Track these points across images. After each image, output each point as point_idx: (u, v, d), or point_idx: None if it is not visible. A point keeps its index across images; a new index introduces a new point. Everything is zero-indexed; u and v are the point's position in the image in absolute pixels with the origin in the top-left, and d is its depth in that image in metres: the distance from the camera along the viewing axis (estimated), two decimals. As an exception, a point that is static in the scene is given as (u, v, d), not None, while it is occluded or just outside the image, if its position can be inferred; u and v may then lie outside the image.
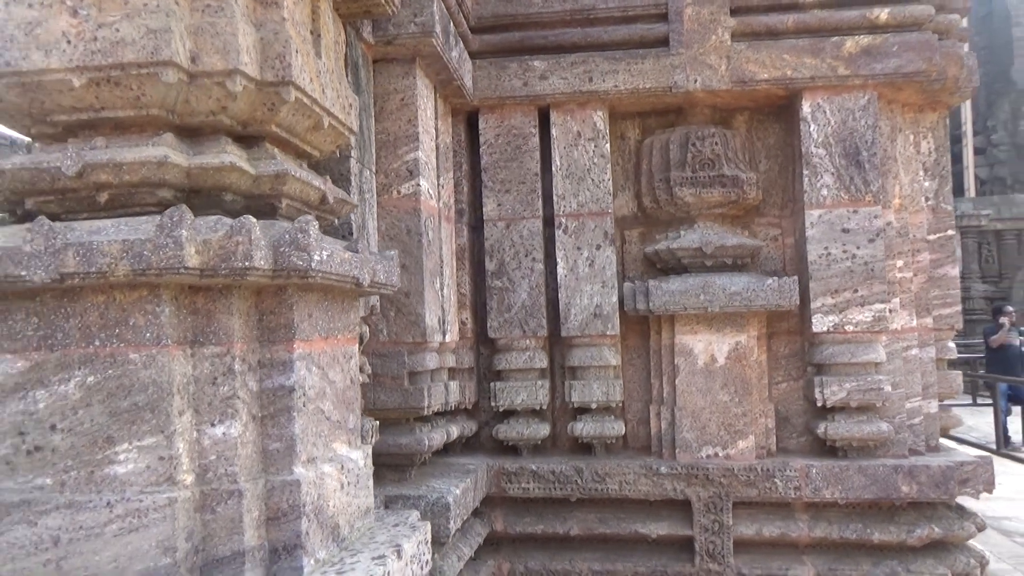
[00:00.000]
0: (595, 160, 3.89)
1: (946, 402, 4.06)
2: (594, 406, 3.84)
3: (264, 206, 2.02)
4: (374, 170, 3.12)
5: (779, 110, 4.00)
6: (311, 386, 1.98)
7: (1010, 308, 11.07)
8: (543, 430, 3.89)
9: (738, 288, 3.66)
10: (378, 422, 2.69)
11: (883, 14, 3.70)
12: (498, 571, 3.75)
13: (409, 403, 3.10)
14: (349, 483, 2.14)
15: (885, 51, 3.67)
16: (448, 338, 3.55)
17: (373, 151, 3.12)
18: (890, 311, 3.69)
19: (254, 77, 1.92)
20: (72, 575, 1.66)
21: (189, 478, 1.73)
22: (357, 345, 2.38)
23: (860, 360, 3.63)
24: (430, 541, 2.43)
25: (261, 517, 1.82)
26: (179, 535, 1.67)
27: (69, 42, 1.80)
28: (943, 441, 3.98)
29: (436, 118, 3.59)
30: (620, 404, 3.91)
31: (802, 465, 3.61)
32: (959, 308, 4.03)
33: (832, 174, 3.71)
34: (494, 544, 3.82)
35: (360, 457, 2.25)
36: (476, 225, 4.03)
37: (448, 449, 3.79)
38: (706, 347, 3.78)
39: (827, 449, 3.76)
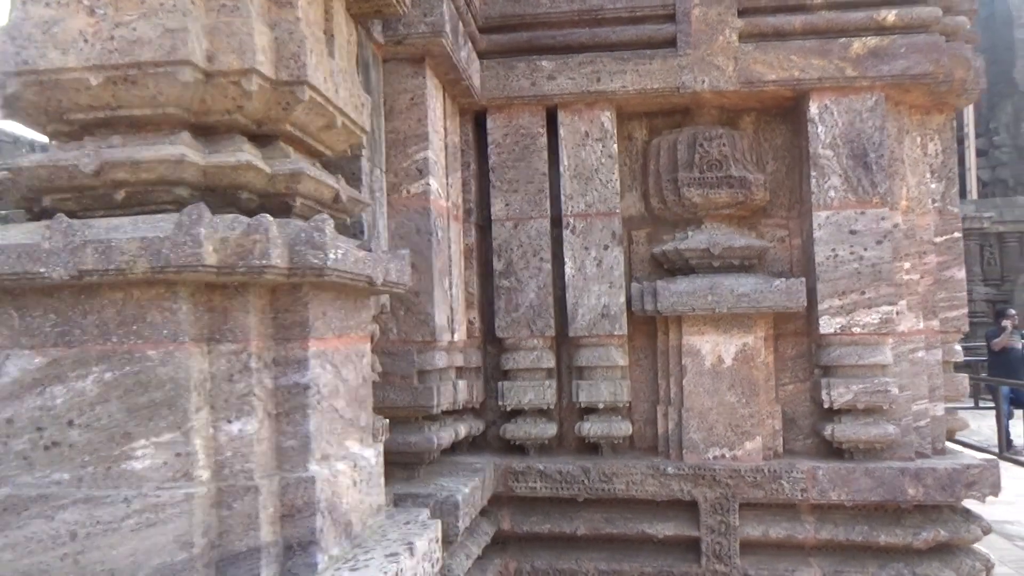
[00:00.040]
0: (603, 160, 3.90)
1: (949, 405, 4.06)
2: (601, 406, 3.85)
3: (279, 204, 2.03)
4: (384, 169, 3.13)
5: (786, 111, 4.01)
6: (325, 384, 1.99)
7: (1012, 311, 11.09)
8: (550, 430, 3.90)
9: (746, 289, 3.67)
10: (388, 420, 2.70)
11: (890, 16, 3.71)
12: (505, 570, 3.76)
13: (419, 402, 3.11)
14: (362, 481, 2.15)
15: (892, 53, 3.68)
16: (456, 337, 3.57)
17: (383, 150, 3.13)
18: (897, 313, 3.70)
19: (269, 76, 1.93)
20: (89, 569, 1.67)
21: (205, 474, 1.74)
22: (369, 343, 2.39)
23: (867, 362, 3.63)
24: (441, 539, 2.44)
25: (276, 513, 1.83)
26: (196, 530, 1.68)
27: (86, 41, 1.82)
28: (948, 444, 3.99)
29: (445, 118, 3.60)
30: (627, 404, 3.92)
31: (809, 467, 3.62)
32: (965, 311, 4.04)
33: (840, 175, 3.72)
34: (501, 543, 3.83)
35: (372, 455, 2.26)
36: (484, 225, 4.04)
37: (455, 448, 3.80)
38: (713, 348, 3.78)
39: (833, 451, 3.77)
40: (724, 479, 3.67)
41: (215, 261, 1.70)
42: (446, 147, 3.62)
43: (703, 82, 3.77)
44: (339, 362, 2.09)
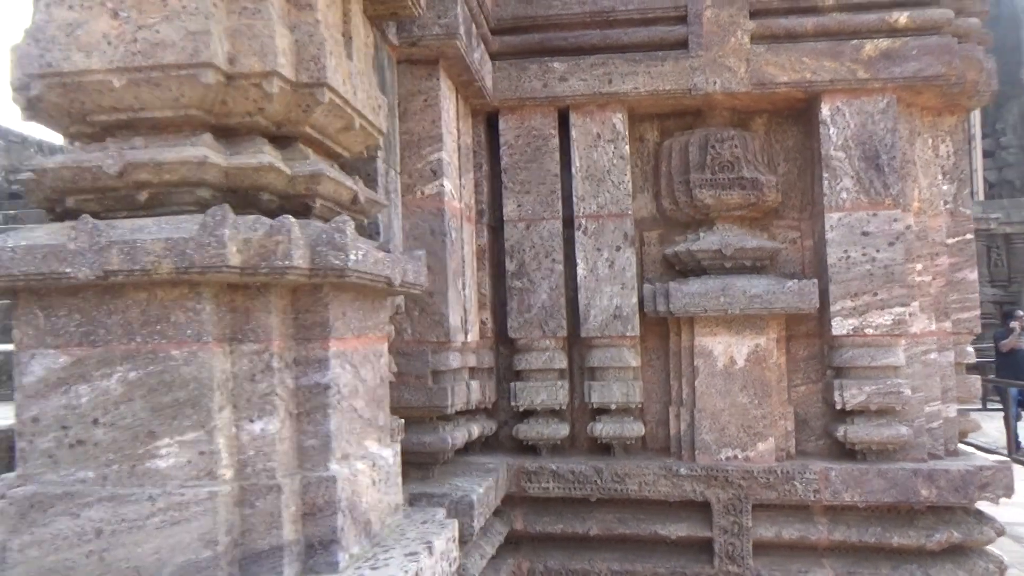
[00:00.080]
0: (615, 162, 3.91)
1: (960, 406, 4.06)
2: (613, 407, 3.85)
3: (298, 206, 2.05)
4: (398, 170, 3.14)
5: (797, 113, 4.01)
6: (345, 384, 2.00)
7: (1020, 312, 11.06)
8: (562, 430, 3.90)
9: (758, 290, 3.67)
10: (403, 420, 2.71)
11: (902, 18, 3.71)
12: (518, 570, 3.76)
13: (433, 402, 3.12)
14: (380, 480, 2.16)
15: (904, 54, 3.68)
16: (470, 338, 3.58)
17: (397, 151, 3.15)
18: (909, 315, 3.70)
19: (290, 79, 1.94)
20: (115, 566, 1.69)
21: (229, 473, 1.76)
22: (386, 344, 2.40)
23: (880, 364, 3.63)
24: (458, 539, 2.45)
25: (298, 512, 1.84)
26: (220, 528, 1.69)
27: (110, 43, 1.83)
28: (960, 446, 3.99)
29: (457, 119, 3.62)
30: (639, 405, 3.92)
31: (822, 468, 3.62)
32: (977, 312, 4.03)
33: (852, 177, 3.72)
34: (514, 543, 3.83)
35: (390, 455, 2.27)
36: (495, 226, 4.05)
37: (467, 448, 3.81)
38: (725, 349, 3.79)
39: (845, 452, 3.77)
40: (737, 480, 3.67)
41: (238, 262, 1.71)
42: (459, 148, 3.63)
43: (715, 84, 3.78)
44: (358, 362, 2.11)
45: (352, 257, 1.84)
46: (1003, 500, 3.70)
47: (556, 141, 3.95)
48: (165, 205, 1.89)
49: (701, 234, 3.90)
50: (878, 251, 3.67)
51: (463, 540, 2.92)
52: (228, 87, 1.89)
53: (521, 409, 3.92)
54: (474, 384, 3.56)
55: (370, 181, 2.75)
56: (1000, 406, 9.95)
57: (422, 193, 3.25)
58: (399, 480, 2.36)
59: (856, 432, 3.64)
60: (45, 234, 1.76)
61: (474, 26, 3.49)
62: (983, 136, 18.78)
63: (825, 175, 3.74)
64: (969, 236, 4.06)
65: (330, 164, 2.23)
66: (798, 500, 3.64)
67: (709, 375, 3.80)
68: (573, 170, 3.93)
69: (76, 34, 1.84)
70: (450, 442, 3.18)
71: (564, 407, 3.93)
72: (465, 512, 2.92)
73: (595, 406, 3.89)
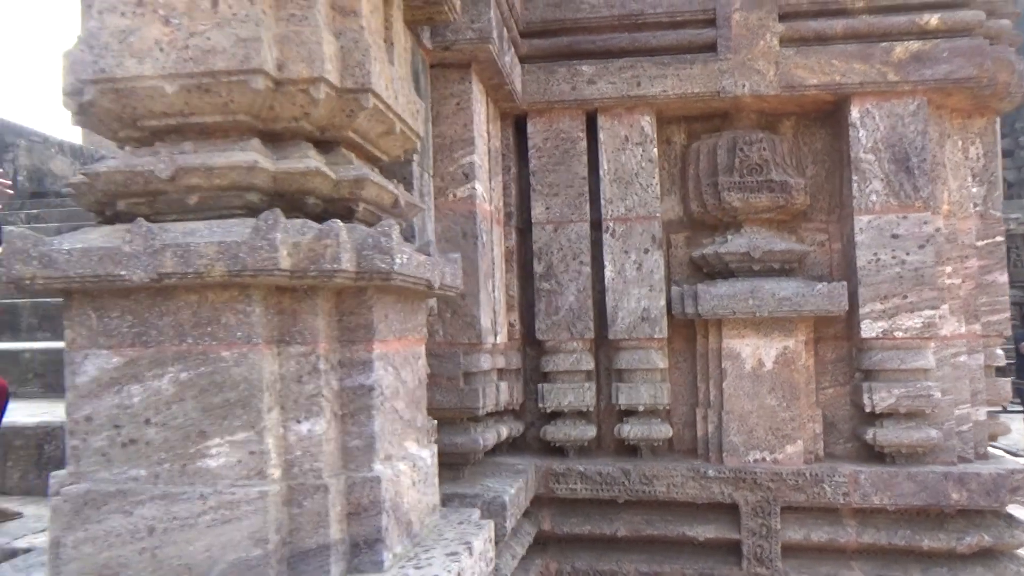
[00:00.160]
0: (643, 164, 3.92)
1: (989, 409, 4.04)
2: (641, 409, 3.86)
3: (342, 209, 2.07)
4: (431, 173, 3.17)
5: (825, 115, 4.01)
6: (387, 385, 2.03)
7: (1043, 314, 10.96)
8: (590, 432, 3.92)
9: (787, 293, 3.67)
10: (436, 421, 2.74)
11: (933, 19, 3.70)
12: (546, 570, 3.78)
13: (464, 403, 3.15)
14: (420, 480, 2.18)
15: (935, 57, 3.67)
16: (499, 339, 3.60)
17: (430, 154, 3.17)
18: (939, 317, 3.69)
19: (335, 84, 1.97)
20: (167, 563, 1.72)
21: (277, 472, 1.79)
22: (424, 345, 2.43)
23: (909, 366, 3.63)
24: (494, 539, 2.47)
25: (343, 512, 1.87)
26: (270, 527, 1.72)
27: (162, 50, 1.86)
28: (990, 449, 3.97)
29: (488, 122, 3.64)
30: (667, 407, 3.93)
31: (851, 471, 3.62)
32: (1007, 315, 4.01)
33: (881, 180, 3.72)
34: (542, 544, 3.85)
35: (428, 455, 2.30)
36: (523, 228, 4.07)
37: (495, 449, 3.83)
38: (753, 351, 3.79)
39: (874, 455, 3.76)
40: (765, 482, 3.67)
41: (288, 265, 1.74)
42: (489, 151, 3.65)
43: (744, 87, 3.78)
44: (399, 364, 2.13)
45: (398, 260, 1.87)
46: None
47: (584, 144, 3.97)
48: (213, 209, 1.92)
49: (729, 237, 3.90)
50: (908, 254, 3.67)
51: (496, 540, 2.94)
52: (276, 92, 1.92)
53: (548, 411, 3.94)
54: (503, 385, 3.58)
55: (406, 184, 2.78)
56: (1021, 408, 9.86)
57: (454, 196, 3.28)
58: (436, 481, 2.38)
59: (885, 435, 3.63)
60: (100, 237, 1.80)
61: (505, 30, 3.51)
62: (1002, 135, 18.58)
63: (854, 177, 3.74)
64: (999, 239, 4.04)
65: (371, 168, 2.26)
66: (827, 503, 3.64)
67: (737, 377, 3.80)
68: (601, 173, 3.95)
69: (129, 41, 1.87)
70: (481, 443, 3.20)
71: (591, 409, 3.94)
72: (498, 513, 2.95)
73: (622, 408, 3.90)
